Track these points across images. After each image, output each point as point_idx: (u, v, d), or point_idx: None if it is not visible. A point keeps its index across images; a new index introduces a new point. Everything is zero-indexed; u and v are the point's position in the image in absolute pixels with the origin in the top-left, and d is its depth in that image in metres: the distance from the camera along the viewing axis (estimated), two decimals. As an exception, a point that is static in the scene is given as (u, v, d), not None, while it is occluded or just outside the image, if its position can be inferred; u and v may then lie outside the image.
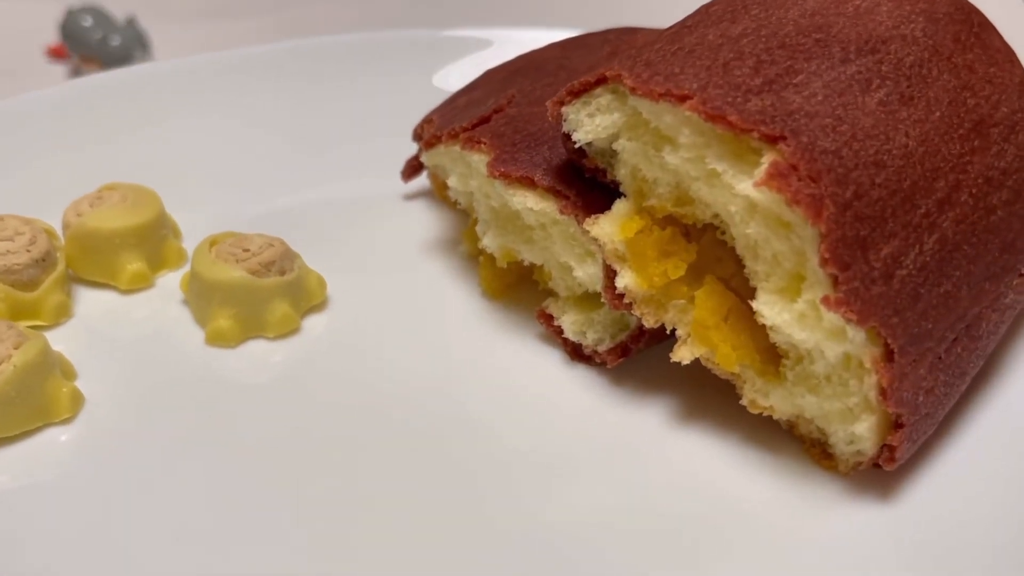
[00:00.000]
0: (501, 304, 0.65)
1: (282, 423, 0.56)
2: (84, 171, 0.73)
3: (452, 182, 0.63)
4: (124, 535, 0.49)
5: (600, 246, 0.54)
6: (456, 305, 0.65)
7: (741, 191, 0.48)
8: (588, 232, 0.54)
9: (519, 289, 0.65)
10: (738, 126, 0.47)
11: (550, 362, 0.60)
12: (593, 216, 0.54)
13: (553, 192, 0.57)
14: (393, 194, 0.75)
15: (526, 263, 0.62)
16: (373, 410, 0.57)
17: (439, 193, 0.74)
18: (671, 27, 0.56)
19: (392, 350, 0.61)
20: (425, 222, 0.72)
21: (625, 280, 0.53)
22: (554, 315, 0.61)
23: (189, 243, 0.68)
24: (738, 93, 0.48)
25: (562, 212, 0.56)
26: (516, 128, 0.60)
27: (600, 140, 0.54)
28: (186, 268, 0.66)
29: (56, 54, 0.95)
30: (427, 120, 0.70)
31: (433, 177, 0.74)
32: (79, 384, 0.57)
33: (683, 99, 0.49)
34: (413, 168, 0.73)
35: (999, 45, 0.57)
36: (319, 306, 0.64)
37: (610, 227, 0.54)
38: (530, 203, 0.57)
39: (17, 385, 0.53)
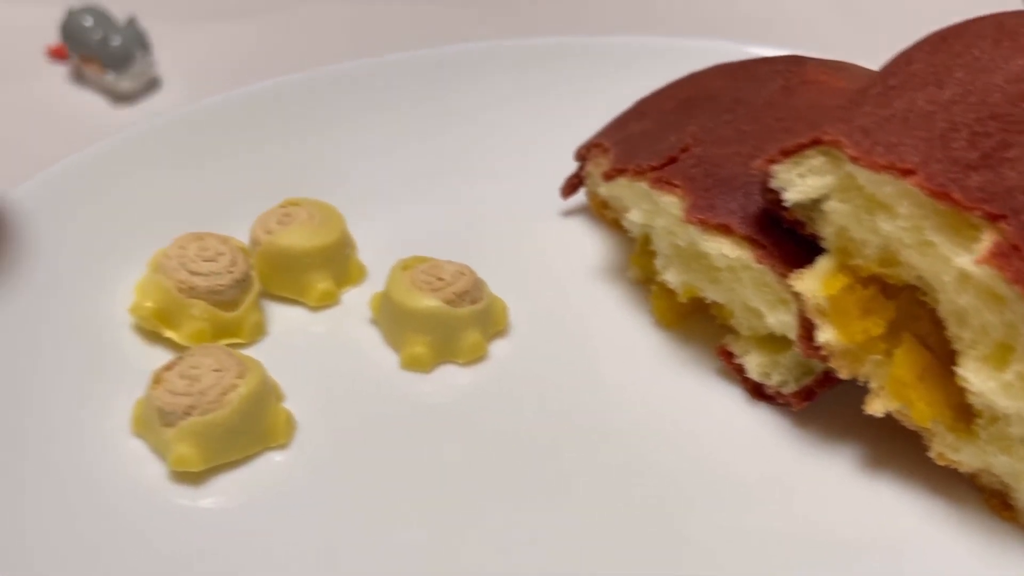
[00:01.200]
0: (674, 335, 0.67)
1: (484, 449, 0.59)
2: (252, 183, 0.75)
3: (633, 216, 0.65)
4: (340, 555, 0.53)
5: (802, 300, 0.56)
6: (630, 334, 0.67)
7: (957, 264, 0.50)
8: (791, 286, 0.56)
9: (692, 319, 0.67)
10: (962, 204, 0.49)
11: (729, 398, 0.63)
12: (797, 271, 0.56)
13: (750, 241, 0.59)
14: (551, 210, 0.77)
15: (708, 300, 0.64)
16: (567, 442, 0.60)
17: (597, 212, 0.76)
18: (873, 85, 0.58)
19: (572, 380, 0.63)
20: (587, 243, 0.74)
21: (826, 336, 0.56)
22: (735, 353, 0.63)
23: (363, 256, 0.71)
24: (958, 168, 0.50)
25: (759, 262, 0.58)
26: (707, 172, 0.61)
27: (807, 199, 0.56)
28: (367, 284, 0.69)
29: (56, 54, 0.95)
30: (595, 144, 0.72)
31: (591, 195, 0.75)
32: (285, 405, 0.60)
33: (906, 173, 0.50)
34: (573, 186, 0.75)
35: None
36: (501, 332, 0.66)
37: (814, 283, 0.56)
38: (725, 250, 0.59)
39: (243, 414, 0.56)
